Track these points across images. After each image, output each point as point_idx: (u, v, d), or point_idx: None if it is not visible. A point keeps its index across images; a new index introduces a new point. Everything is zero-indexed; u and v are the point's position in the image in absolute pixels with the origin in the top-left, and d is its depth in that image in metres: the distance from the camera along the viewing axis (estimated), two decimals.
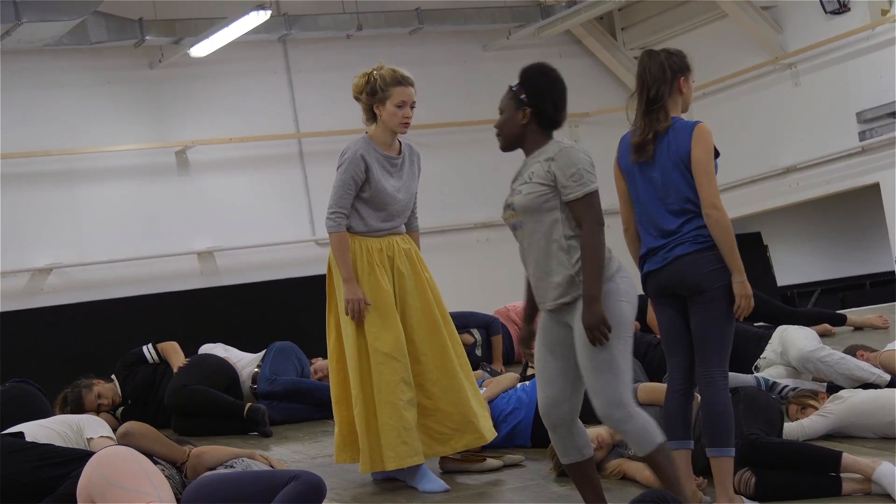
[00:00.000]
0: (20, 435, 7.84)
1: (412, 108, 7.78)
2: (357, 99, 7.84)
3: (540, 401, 6.46)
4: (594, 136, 18.84)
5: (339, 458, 7.97)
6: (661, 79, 6.78)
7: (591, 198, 6.23)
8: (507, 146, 6.55)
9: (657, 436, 6.21)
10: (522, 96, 6.41)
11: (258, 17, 16.13)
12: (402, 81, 7.69)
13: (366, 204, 7.76)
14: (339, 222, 7.71)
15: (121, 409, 10.16)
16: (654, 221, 6.78)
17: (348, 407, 7.77)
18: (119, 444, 7.06)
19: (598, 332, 6.03)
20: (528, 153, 6.48)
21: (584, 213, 6.21)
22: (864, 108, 17.52)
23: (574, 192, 6.21)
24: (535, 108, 6.40)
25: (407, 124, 7.77)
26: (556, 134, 6.51)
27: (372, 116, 7.80)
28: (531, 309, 6.58)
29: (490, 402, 8.60)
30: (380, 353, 7.57)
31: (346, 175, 7.68)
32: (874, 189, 17.70)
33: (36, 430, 8.03)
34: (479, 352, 11.37)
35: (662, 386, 7.71)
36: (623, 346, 6.18)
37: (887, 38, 17.24)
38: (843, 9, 17.69)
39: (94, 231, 16.95)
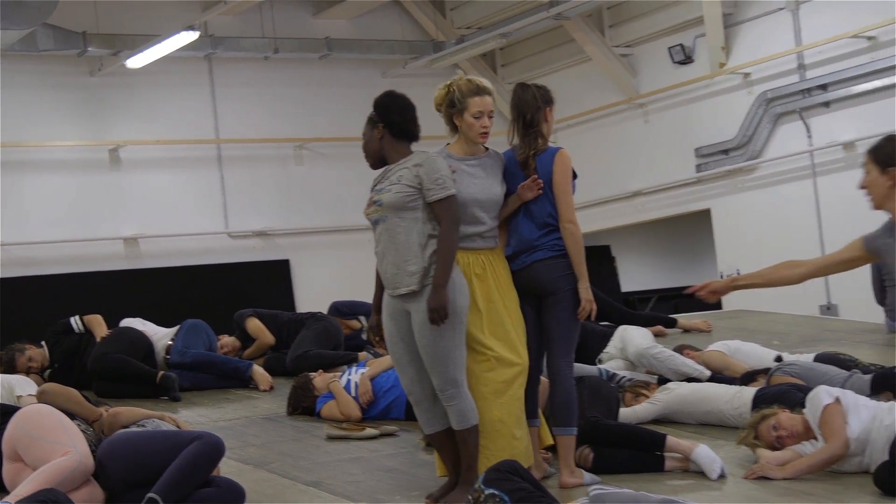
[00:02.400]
0: None
1: (490, 117, 6.60)
2: (438, 111, 6.74)
3: (402, 382, 6.51)
4: None
5: None
6: (535, 107, 6.82)
7: (451, 200, 6.28)
8: (374, 163, 6.59)
9: (474, 418, 6.28)
10: (374, 116, 6.51)
11: (188, 37, 16.12)
12: (478, 91, 6.57)
13: None
14: None
15: (48, 372, 9.98)
16: (520, 231, 6.82)
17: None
18: (39, 402, 6.95)
19: (440, 314, 6.12)
20: (392, 163, 6.51)
21: (443, 213, 6.26)
22: (702, 144, 17.75)
23: (437, 194, 6.26)
24: (385, 122, 6.47)
25: (485, 134, 6.64)
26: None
27: (454, 128, 6.69)
28: (381, 300, 6.57)
29: (372, 379, 8.61)
30: None
31: None
32: (706, 214, 17.94)
33: None
34: (364, 336, 11.30)
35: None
36: (458, 332, 6.27)
37: (724, 86, 17.49)
38: (687, 60, 17.95)
39: (35, 214, 16.78)
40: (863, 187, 5.17)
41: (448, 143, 6.78)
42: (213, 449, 6.34)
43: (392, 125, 6.51)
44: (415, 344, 6.31)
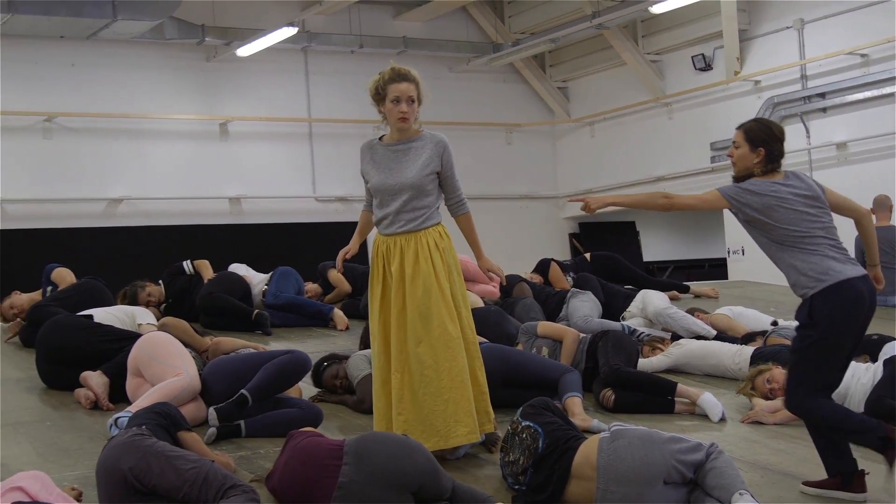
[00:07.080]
0: (90, 317, 7.79)
1: (410, 102, 5.72)
2: (373, 103, 5.88)
3: None
4: (524, 141, 18.91)
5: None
6: None
7: None
8: None
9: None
10: None
11: (288, 31, 16.22)
12: (396, 78, 5.73)
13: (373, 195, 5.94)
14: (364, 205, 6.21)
15: (164, 306, 10.07)
16: None
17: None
18: (159, 331, 7.05)
19: None
20: None
21: None
22: (717, 139, 17.59)
23: None
24: None
25: (404, 119, 5.72)
26: None
27: (385, 117, 5.84)
28: None
29: None
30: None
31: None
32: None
33: (102, 315, 7.98)
34: None
35: (555, 325, 7.79)
36: None
37: (737, 91, 17.31)
38: (707, 67, 17.76)
39: (156, 175, 16.92)
40: (730, 155, 5.07)
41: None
42: (300, 362, 6.43)
43: None
44: None
